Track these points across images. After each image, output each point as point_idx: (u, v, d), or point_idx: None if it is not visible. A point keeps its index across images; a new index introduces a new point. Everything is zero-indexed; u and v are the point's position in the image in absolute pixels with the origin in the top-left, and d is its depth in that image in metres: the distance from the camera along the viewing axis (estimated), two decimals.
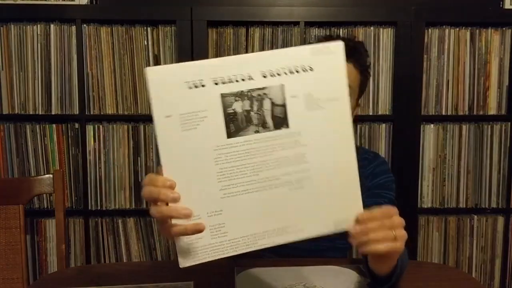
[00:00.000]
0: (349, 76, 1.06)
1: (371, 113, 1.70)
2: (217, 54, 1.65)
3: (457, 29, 1.68)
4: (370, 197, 1.09)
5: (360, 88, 1.16)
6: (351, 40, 1.16)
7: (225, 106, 0.71)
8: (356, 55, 1.12)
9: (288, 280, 1.01)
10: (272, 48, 1.65)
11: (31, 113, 1.66)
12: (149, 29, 1.64)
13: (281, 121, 0.72)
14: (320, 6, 1.71)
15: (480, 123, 1.72)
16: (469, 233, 1.76)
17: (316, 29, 1.66)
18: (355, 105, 1.16)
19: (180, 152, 0.73)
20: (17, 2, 1.65)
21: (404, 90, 1.67)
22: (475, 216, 1.75)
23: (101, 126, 1.67)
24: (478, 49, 1.70)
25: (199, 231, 0.69)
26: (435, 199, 1.74)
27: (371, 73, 1.67)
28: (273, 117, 0.72)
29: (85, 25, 1.63)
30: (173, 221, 0.69)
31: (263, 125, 0.72)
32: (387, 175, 1.21)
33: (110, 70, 1.65)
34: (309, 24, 1.65)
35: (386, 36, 1.67)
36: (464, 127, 1.72)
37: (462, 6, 1.79)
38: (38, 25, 1.63)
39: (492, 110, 1.72)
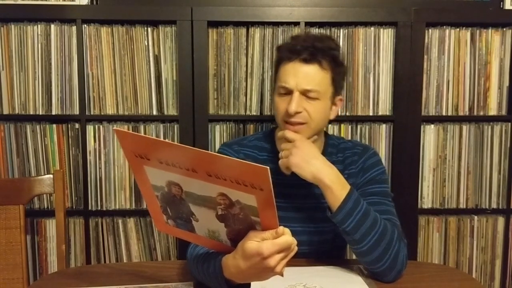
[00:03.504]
0: (312, 80, 1.09)
1: (371, 114, 1.70)
2: (218, 54, 1.65)
3: (457, 29, 1.68)
4: (364, 197, 1.10)
5: (334, 85, 1.14)
6: (313, 39, 1.12)
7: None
8: (319, 56, 1.09)
9: (288, 280, 1.00)
10: (272, 49, 1.65)
11: (31, 113, 1.66)
12: (149, 29, 1.64)
13: None
14: (321, 7, 1.71)
15: (480, 123, 1.72)
16: (469, 233, 1.76)
17: (317, 29, 1.66)
18: (330, 105, 1.15)
19: None
20: (18, 2, 1.65)
21: (404, 91, 1.67)
22: (476, 217, 1.75)
23: (101, 126, 1.67)
24: (478, 50, 1.70)
25: None
26: (435, 200, 1.74)
27: (371, 73, 1.68)
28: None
29: (85, 25, 1.63)
30: None
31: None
32: (377, 168, 1.20)
33: (111, 70, 1.65)
34: (310, 24, 1.65)
35: (386, 36, 1.67)
36: (464, 127, 1.72)
37: (463, 7, 1.79)
38: (39, 25, 1.63)
39: (493, 111, 1.72)
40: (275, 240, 0.74)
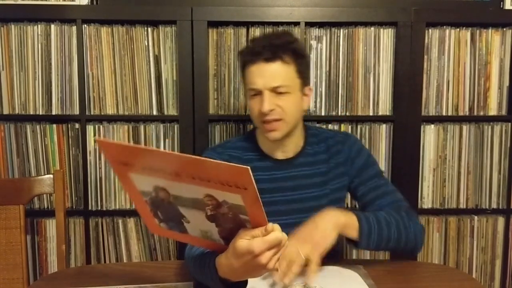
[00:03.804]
0: (278, 76, 1.12)
1: (371, 114, 1.70)
2: (218, 54, 1.65)
3: (458, 29, 1.68)
4: (364, 184, 1.21)
5: (300, 77, 1.16)
6: (271, 37, 1.16)
7: None
8: (280, 52, 1.11)
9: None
10: None
11: (31, 113, 1.66)
12: (149, 29, 1.64)
13: None
14: (321, 7, 1.71)
15: (480, 123, 1.72)
16: (469, 233, 1.75)
17: (317, 29, 1.66)
18: (301, 96, 1.17)
19: None
20: (18, 2, 1.66)
21: (404, 91, 1.67)
22: (476, 217, 1.75)
23: (101, 127, 1.67)
24: (478, 50, 1.70)
25: None
26: (435, 200, 1.74)
27: (371, 73, 1.68)
28: None
29: (85, 25, 1.63)
30: None
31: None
32: (363, 153, 1.26)
33: (111, 71, 1.65)
34: (310, 24, 1.65)
35: (386, 36, 1.67)
36: (464, 127, 1.72)
37: (463, 7, 1.79)
38: (39, 25, 1.63)
39: (493, 111, 1.72)
40: (265, 238, 0.74)
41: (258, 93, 1.13)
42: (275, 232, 0.75)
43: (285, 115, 1.14)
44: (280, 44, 1.12)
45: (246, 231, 0.76)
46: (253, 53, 1.12)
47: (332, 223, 1.03)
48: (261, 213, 0.73)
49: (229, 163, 0.67)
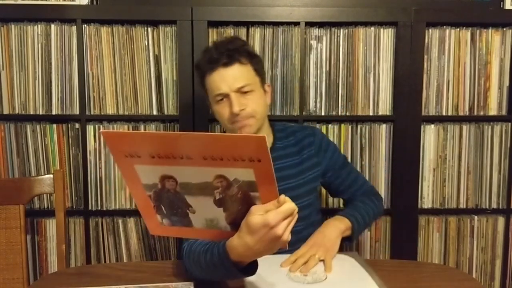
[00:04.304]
0: (240, 77, 1.18)
1: (371, 114, 1.70)
2: None
3: (458, 29, 1.68)
4: (338, 176, 1.35)
5: (258, 75, 1.23)
6: (223, 44, 1.21)
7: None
8: (236, 55, 1.18)
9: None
10: (272, 48, 1.66)
11: (31, 113, 1.66)
12: (149, 29, 1.64)
13: None
14: (321, 7, 1.71)
15: (480, 123, 1.72)
16: (469, 233, 1.76)
17: (317, 29, 1.66)
18: (263, 92, 1.25)
19: None
20: (18, 2, 1.66)
21: (404, 91, 1.67)
22: (476, 217, 1.75)
23: (101, 126, 1.67)
24: (478, 50, 1.70)
25: None
26: (435, 200, 1.74)
27: (371, 73, 1.68)
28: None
29: (85, 25, 1.63)
30: None
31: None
32: (330, 144, 1.38)
33: (111, 70, 1.65)
34: (310, 24, 1.65)
35: (386, 36, 1.67)
36: (464, 127, 1.72)
37: (463, 7, 1.79)
38: (39, 25, 1.63)
39: (493, 111, 1.72)
40: (279, 209, 0.77)
41: (225, 97, 1.19)
42: (288, 203, 0.78)
43: (255, 113, 1.20)
44: (234, 48, 1.19)
45: (258, 207, 0.78)
46: (211, 61, 1.19)
47: (336, 232, 1.19)
48: (274, 185, 0.75)
49: (244, 134, 0.68)
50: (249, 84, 1.19)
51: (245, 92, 1.19)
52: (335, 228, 1.20)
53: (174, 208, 0.81)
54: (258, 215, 0.77)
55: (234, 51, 1.18)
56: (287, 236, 0.79)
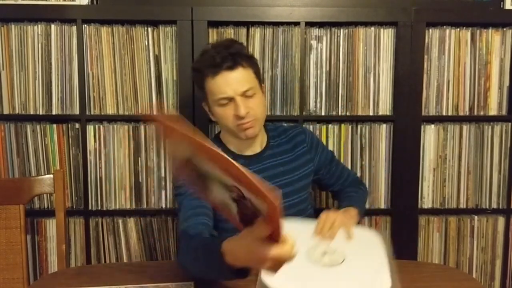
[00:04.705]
0: (244, 81, 1.21)
1: (371, 114, 1.70)
2: None
3: (458, 29, 1.68)
4: (329, 172, 1.43)
5: (257, 77, 1.26)
6: (227, 47, 1.21)
7: None
8: (238, 59, 1.20)
9: (308, 242, 1.09)
10: (272, 48, 1.65)
11: (31, 113, 1.66)
12: (149, 29, 1.64)
13: None
14: (321, 7, 1.71)
15: (480, 123, 1.72)
16: (469, 233, 1.75)
17: (317, 29, 1.66)
18: (262, 94, 1.27)
19: None
20: (18, 2, 1.66)
21: (404, 91, 1.67)
22: (476, 217, 1.75)
23: (101, 126, 1.67)
24: (478, 50, 1.70)
25: None
26: (435, 200, 1.74)
27: (372, 73, 1.68)
28: None
29: (85, 25, 1.63)
30: None
31: None
32: (319, 141, 1.44)
33: (111, 70, 1.65)
34: (310, 24, 1.65)
35: (386, 36, 1.67)
36: (464, 127, 1.72)
37: (463, 7, 1.78)
38: (39, 25, 1.63)
39: (493, 111, 1.72)
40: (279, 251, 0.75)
41: (229, 100, 1.20)
42: (288, 246, 0.75)
43: (258, 115, 1.23)
44: (237, 52, 1.21)
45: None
46: (214, 65, 1.19)
47: (352, 214, 1.29)
48: (280, 229, 0.72)
49: (262, 187, 0.66)
50: (252, 88, 1.21)
51: (248, 96, 1.21)
52: (348, 210, 1.30)
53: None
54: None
55: (237, 55, 1.20)
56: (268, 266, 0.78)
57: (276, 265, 0.76)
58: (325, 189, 1.53)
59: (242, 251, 0.80)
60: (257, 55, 1.65)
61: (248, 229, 0.78)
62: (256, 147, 1.32)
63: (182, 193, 1.21)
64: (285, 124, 1.50)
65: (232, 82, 1.19)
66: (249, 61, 1.24)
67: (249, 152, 1.31)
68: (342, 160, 1.70)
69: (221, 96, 1.20)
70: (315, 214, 1.40)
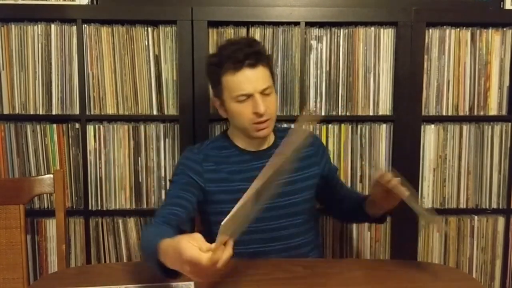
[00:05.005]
0: (263, 79, 1.22)
1: (371, 114, 1.70)
2: None
3: (458, 29, 1.68)
4: (334, 180, 1.43)
5: (272, 77, 1.28)
6: (249, 45, 1.23)
7: None
8: (259, 57, 1.22)
9: None
10: (272, 48, 1.65)
11: (31, 113, 1.66)
12: (149, 29, 1.64)
13: None
14: (321, 7, 1.71)
15: (480, 123, 1.72)
16: (469, 233, 1.76)
17: (317, 29, 1.66)
18: (275, 94, 1.29)
19: None
20: (18, 2, 1.66)
21: (404, 91, 1.67)
22: (476, 217, 1.75)
23: (101, 126, 1.67)
24: (478, 50, 1.70)
25: None
26: (435, 200, 1.74)
27: (372, 73, 1.68)
28: None
29: (85, 25, 1.63)
30: None
31: None
32: (326, 149, 1.47)
33: (111, 70, 1.65)
34: (310, 24, 1.65)
35: (386, 36, 1.67)
36: (464, 127, 1.72)
37: (463, 7, 1.78)
38: (39, 25, 1.63)
39: (493, 111, 1.72)
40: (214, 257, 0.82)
41: (248, 97, 1.21)
42: (227, 252, 0.84)
43: (272, 114, 1.25)
44: (258, 50, 1.23)
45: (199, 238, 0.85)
46: (237, 61, 1.20)
47: None
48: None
49: None
50: (270, 87, 1.23)
51: (266, 94, 1.22)
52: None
53: None
54: (195, 247, 0.82)
55: (258, 54, 1.22)
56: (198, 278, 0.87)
57: (197, 272, 0.84)
58: (329, 201, 1.46)
59: (172, 253, 0.87)
60: None
61: (180, 245, 0.84)
62: (263, 145, 1.33)
63: (175, 180, 1.27)
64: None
65: (253, 79, 1.20)
66: (268, 61, 1.26)
67: (255, 149, 1.32)
68: (342, 160, 1.70)
69: (241, 93, 1.20)
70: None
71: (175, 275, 0.95)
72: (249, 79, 1.20)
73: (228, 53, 1.21)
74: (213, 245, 0.83)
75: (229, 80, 1.21)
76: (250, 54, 1.20)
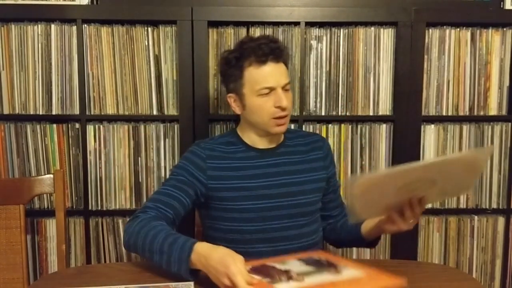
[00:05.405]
0: (285, 75, 1.25)
1: (371, 114, 1.70)
2: (218, 54, 1.65)
3: (458, 29, 1.68)
4: (335, 187, 1.40)
5: (289, 75, 1.29)
6: (273, 41, 1.25)
7: None
8: (282, 53, 1.24)
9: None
10: None
11: (31, 113, 1.66)
12: (149, 29, 1.65)
13: None
14: (321, 7, 1.71)
15: (480, 123, 1.72)
16: (469, 233, 1.76)
17: (317, 29, 1.66)
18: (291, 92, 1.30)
19: None
20: (18, 2, 1.66)
21: (404, 91, 1.67)
22: (476, 217, 1.75)
23: (101, 126, 1.67)
24: (478, 50, 1.70)
25: None
26: None
27: (372, 73, 1.68)
28: None
29: (85, 25, 1.63)
30: None
31: None
32: (333, 155, 1.44)
33: (111, 70, 1.65)
34: (310, 24, 1.65)
35: (386, 36, 1.67)
36: (464, 127, 1.72)
37: (463, 7, 1.78)
38: (39, 25, 1.63)
39: (493, 111, 1.72)
40: None
41: (270, 91, 1.22)
42: None
43: (290, 110, 1.27)
44: (282, 47, 1.25)
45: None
46: (263, 55, 1.21)
47: None
48: None
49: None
50: (289, 83, 1.26)
51: (286, 90, 1.25)
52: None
53: None
54: (244, 273, 0.91)
55: (282, 50, 1.24)
56: None
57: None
58: (327, 215, 1.41)
59: (215, 262, 0.96)
60: None
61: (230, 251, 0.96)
62: (272, 143, 1.33)
63: (174, 174, 1.26)
64: (300, 130, 1.58)
65: (276, 73, 1.22)
66: (287, 58, 1.29)
67: (263, 146, 1.32)
68: (342, 160, 1.70)
69: (265, 86, 1.21)
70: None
71: (194, 273, 1.03)
72: (273, 73, 1.22)
73: (252, 46, 1.22)
74: (255, 280, 0.92)
75: (253, 73, 1.22)
76: (275, 49, 1.22)
